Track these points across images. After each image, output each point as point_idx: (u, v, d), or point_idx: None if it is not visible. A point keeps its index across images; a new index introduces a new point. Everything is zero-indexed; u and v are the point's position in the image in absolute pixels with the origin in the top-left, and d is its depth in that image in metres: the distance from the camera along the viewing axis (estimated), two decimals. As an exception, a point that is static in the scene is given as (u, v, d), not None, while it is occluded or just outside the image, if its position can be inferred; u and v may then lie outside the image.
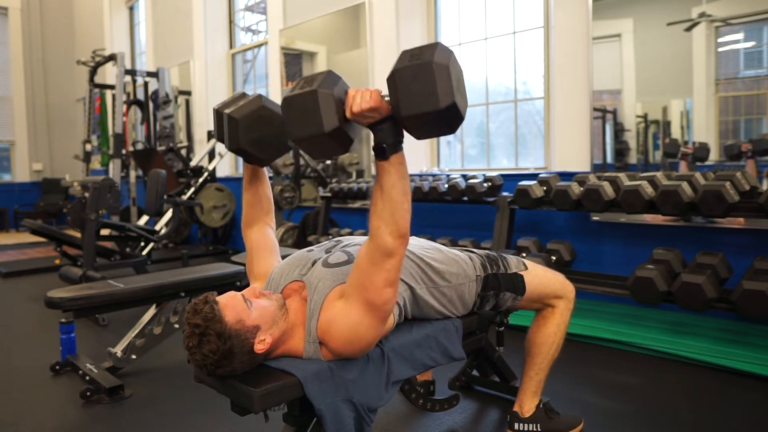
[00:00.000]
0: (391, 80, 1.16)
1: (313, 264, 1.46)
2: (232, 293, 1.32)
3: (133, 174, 6.55)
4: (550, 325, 1.74)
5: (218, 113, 1.50)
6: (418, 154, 4.69)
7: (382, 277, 1.27)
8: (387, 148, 1.21)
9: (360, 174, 5.13)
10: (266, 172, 1.64)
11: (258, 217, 1.61)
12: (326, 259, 1.45)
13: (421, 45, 1.19)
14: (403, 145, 1.26)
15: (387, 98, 1.20)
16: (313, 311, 1.34)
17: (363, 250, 1.30)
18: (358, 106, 1.19)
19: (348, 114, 1.21)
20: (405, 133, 1.25)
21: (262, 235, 1.60)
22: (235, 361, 1.26)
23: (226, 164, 6.98)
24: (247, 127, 1.41)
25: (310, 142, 1.23)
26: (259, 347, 1.28)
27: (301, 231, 4.81)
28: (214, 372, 1.26)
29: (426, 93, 1.12)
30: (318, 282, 1.38)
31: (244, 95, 1.51)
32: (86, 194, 3.98)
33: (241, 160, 6.31)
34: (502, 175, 3.66)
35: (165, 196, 4.37)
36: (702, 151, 3.02)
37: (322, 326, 1.31)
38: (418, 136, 1.22)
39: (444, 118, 1.15)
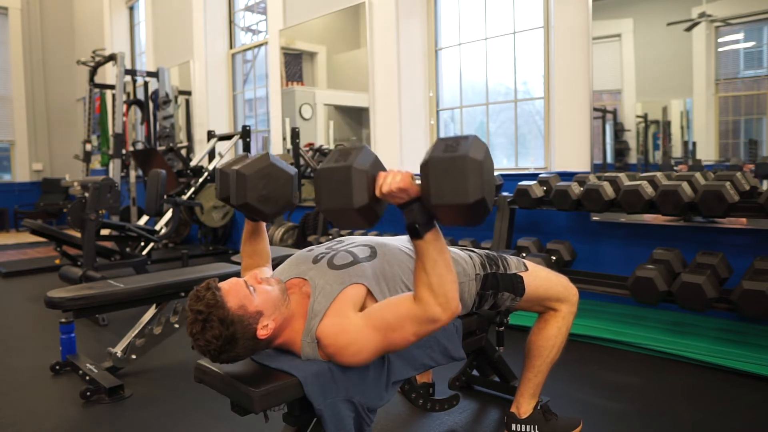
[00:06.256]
0: (425, 168, 1.18)
1: (314, 261, 1.46)
2: (234, 279, 1.33)
3: (133, 174, 6.56)
4: (551, 328, 1.74)
5: (223, 172, 1.57)
6: (418, 154, 4.69)
7: (415, 332, 1.29)
8: (420, 228, 1.24)
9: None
10: (265, 228, 1.67)
11: (256, 265, 1.65)
12: (331, 260, 1.44)
13: (457, 136, 1.21)
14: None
15: (418, 181, 1.23)
16: (316, 312, 1.33)
17: (405, 303, 1.29)
18: (388, 186, 1.22)
19: (377, 192, 1.24)
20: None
21: (261, 272, 1.63)
22: (239, 347, 1.26)
23: (226, 164, 6.97)
24: (255, 183, 1.46)
25: (338, 214, 1.27)
26: (262, 332, 1.29)
27: (301, 231, 4.81)
28: (218, 358, 1.27)
29: (457, 187, 1.14)
30: (324, 284, 1.37)
31: (246, 156, 1.57)
32: (86, 194, 3.98)
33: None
34: (502, 175, 3.66)
35: (165, 196, 4.36)
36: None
37: (324, 329, 1.31)
38: (444, 223, 1.25)
39: (472, 211, 1.17)
